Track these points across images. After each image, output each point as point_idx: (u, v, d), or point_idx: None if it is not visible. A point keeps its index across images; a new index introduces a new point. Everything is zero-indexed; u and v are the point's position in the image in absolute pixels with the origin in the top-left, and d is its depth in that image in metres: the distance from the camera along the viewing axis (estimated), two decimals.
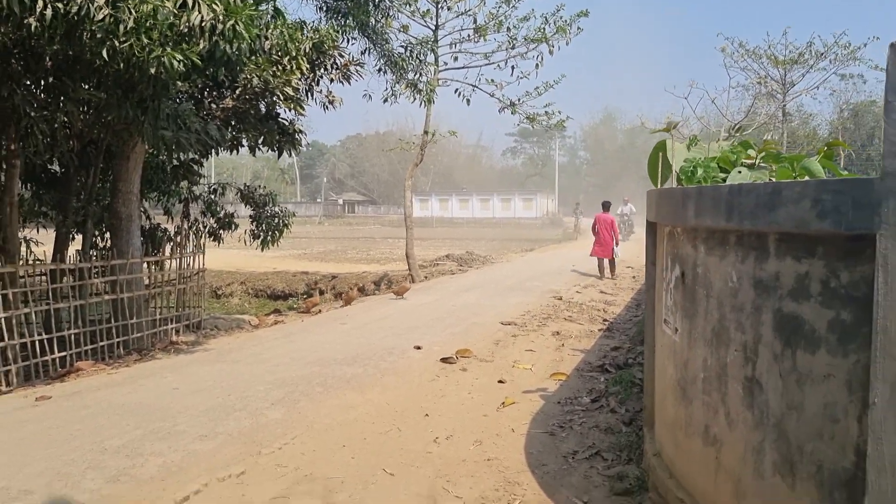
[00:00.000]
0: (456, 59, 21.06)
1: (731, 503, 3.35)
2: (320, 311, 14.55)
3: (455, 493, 4.94)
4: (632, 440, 5.87)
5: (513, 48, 20.35)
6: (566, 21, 19.93)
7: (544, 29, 19.96)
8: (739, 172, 4.17)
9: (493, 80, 20.78)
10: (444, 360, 9.10)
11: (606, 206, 20.17)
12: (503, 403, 7.16)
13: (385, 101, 19.33)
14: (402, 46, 18.87)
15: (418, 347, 9.97)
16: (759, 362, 3.10)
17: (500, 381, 8.10)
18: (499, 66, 20.74)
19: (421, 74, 19.10)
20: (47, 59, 7.95)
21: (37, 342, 9.11)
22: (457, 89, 20.62)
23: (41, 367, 9.09)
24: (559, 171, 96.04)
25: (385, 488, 5.07)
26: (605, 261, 19.35)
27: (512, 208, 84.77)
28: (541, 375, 8.41)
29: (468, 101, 20.61)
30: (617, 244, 19.32)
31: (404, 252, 21.72)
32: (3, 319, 8.62)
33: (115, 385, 8.25)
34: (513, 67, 20.27)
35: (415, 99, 18.83)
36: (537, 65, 20.09)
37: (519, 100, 21.12)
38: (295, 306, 19.03)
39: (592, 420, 6.59)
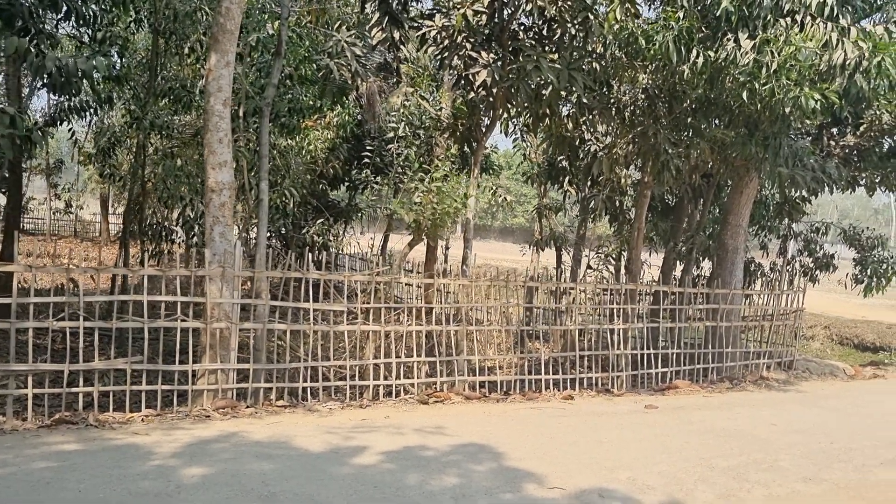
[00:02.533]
0: None
1: None
2: None
3: None
4: None
5: None
6: None
7: None
8: None
9: None
10: None
11: None
12: None
13: None
14: None
15: None
16: None
17: None
18: None
19: None
20: (687, 102, 8.76)
21: (640, 356, 10.04)
22: None
23: (643, 378, 10.00)
24: None
25: None
26: None
27: None
28: None
29: None
30: None
31: None
32: (621, 331, 9.76)
33: (712, 408, 8.68)
34: None
35: None
36: None
37: None
38: (888, 361, 17.23)
39: None
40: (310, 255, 8.45)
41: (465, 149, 10.56)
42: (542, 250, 12.18)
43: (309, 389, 7.79)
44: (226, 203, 7.15)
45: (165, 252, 11.49)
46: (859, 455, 6.92)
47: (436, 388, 8.49)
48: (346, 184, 15.85)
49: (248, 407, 7.16)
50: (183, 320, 7.07)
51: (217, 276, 7.11)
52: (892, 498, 5.80)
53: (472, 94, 8.73)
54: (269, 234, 14.21)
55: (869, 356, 19.18)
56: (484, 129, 9.41)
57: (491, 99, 8.68)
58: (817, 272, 13.96)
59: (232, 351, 7.23)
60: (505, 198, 13.03)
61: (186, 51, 10.59)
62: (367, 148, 13.69)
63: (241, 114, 9.17)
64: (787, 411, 8.72)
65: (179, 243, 11.82)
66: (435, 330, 8.59)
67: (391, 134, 12.18)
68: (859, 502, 5.68)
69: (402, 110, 11.94)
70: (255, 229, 8.89)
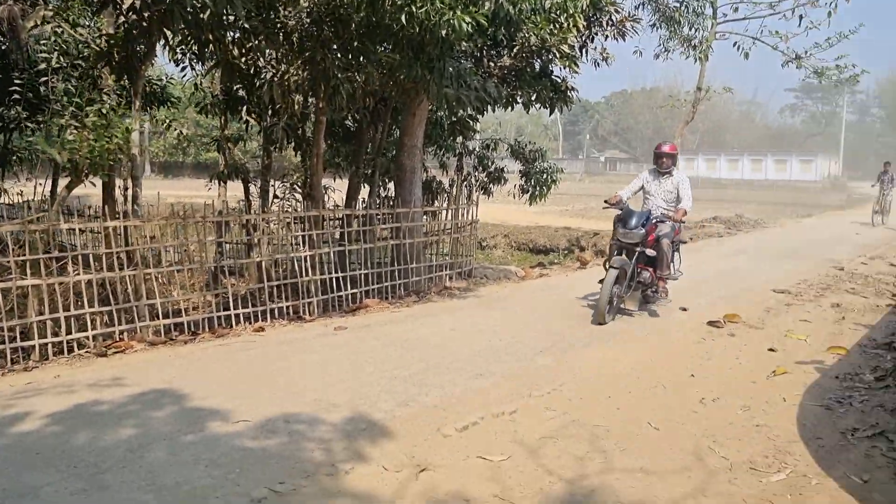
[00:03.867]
0: (736, 9, 19.96)
1: None
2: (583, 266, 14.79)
3: (721, 454, 4.96)
4: None
5: None
6: None
7: None
8: None
9: (777, 32, 19.39)
10: (710, 323, 8.95)
11: None
12: (774, 372, 6.94)
13: (657, 57, 18.86)
14: (678, 0, 18.19)
15: (684, 309, 9.87)
16: None
17: (770, 350, 7.82)
18: (784, 15, 19.28)
19: (697, 29, 18.31)
20: (353, 25, 8.83)
21: (332, 279, 10.24)
22: (735, 42, 19.51)
23: (336, 301, 10.23)
24: (846, 130, 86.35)
25: (650, 441, 5.22)
26: None
27: (788, 170, 78.15)
28: (816, 348, 7.98)
29: (747, 54, 19.42)
30: None
31: None
32: (307, 258, 9.83)
33: (398, 322, 9.14)
34: (801, 17, 18.75)
35: (689, 55, 18.16)
36: (830, 13, 18.36)
37: (806, 52, 19.56)
38: (556, 261, 19.40)
39: (876, 399, 6.19)
40: None
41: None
42: (225, 183, 11.77)
43: None
44: None
45: None
46: (522, 348, 7.73)
47: (116, 338, 7.96)
48: None
49: None
50: None
51: None
52: (543, 379, 6.59)
53: (123, 19, 8.03)
54: None
55: (541, 258, 21.45)
56: (142, 58, 8.71)
57: (145, 24, 8.02)
58: (491, 185, 15.08)
59: None
60: (181, 132, 12.35)
61: None
62: (16, 82, 12.09)
63: None
64: (464, 317, 9.44)
65: None
66: (108, 277, 7.98)
67: (43, 66, 10.81)
68: (520, 387, 6.36)
69: (52, 38, 10.62)
70: None
